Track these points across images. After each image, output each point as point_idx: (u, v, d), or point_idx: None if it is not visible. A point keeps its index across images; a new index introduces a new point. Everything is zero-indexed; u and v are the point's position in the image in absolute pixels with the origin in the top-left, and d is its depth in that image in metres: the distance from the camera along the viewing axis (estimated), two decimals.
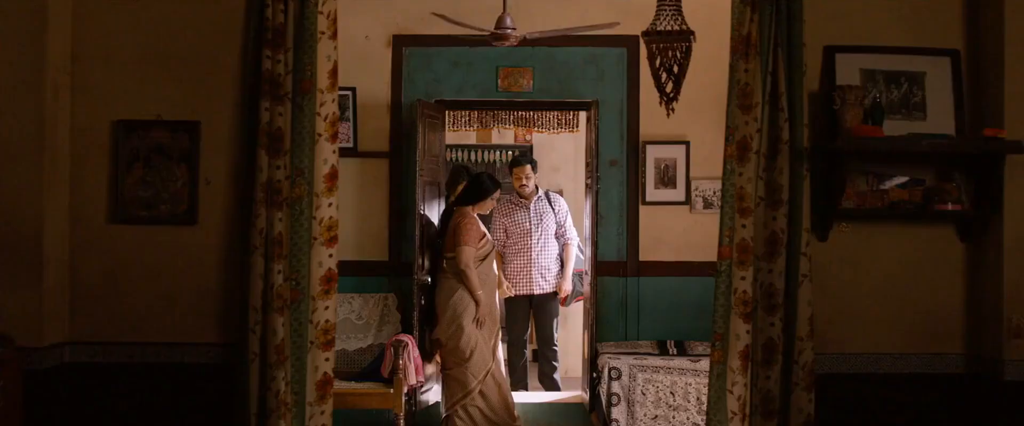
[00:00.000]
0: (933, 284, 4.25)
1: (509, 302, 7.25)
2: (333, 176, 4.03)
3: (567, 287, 7.14)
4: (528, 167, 7.14)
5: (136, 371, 4.15)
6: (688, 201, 6.51)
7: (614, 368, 5.84)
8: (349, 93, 6.31)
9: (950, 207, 4.14)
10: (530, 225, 7.12)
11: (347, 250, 6.03)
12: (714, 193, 6.43)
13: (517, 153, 8.32)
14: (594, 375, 6.09)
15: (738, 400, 3.92)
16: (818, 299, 4.04)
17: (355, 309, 6.22)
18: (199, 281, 4.15)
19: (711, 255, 6.18)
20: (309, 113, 3.99)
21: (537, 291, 7.15)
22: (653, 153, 6.51)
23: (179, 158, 4.16)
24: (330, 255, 4.03)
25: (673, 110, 4.41)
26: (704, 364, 5.62)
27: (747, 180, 3.95)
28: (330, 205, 4.03)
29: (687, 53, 4.33)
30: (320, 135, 4.02)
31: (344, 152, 6.02)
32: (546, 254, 7.13)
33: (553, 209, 7.15)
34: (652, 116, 6.35)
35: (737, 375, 3.92)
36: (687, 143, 6.50)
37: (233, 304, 4.09)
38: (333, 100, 4.05)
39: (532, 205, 7.14)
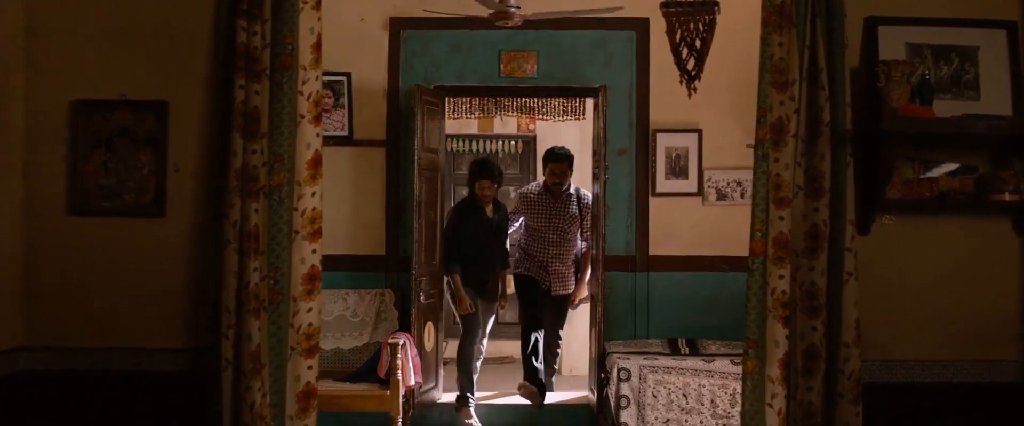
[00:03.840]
0: (986, 283, 3.94)
1: (519, 280, 6.81)
2: (317, 162, 3.76)
3: (582, 294, 6.81)
4: (565, 164, 6.69)
5: (97, 379, 3.95)
6: (700, 192, 6.39)
7: (623, 369, 5.74)
8: (343, 78, 6.27)
9: (1007, 197, 3.82)
10: (553, 221, 6.69)
11: (341, 244, 6.17)
12: (728, 184, 6.38)
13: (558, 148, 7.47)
14: (602, 376, 6.00)
15: (779, 415, 3.58)
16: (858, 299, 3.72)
17: (350, 306, 6.16)
18: (167, 279, 3.93)
19: (724, 249, 6.15)
20: (289, 92, 3.72)
21: (544, 286, 6.73)
22: (664, 142, 6.38)
23: (145, 142, 3.95)
24: (313, 251, 3.76)
25: (695, 89, 4.09)
26: (718, 364, 5.68)
27: (784, 167, 3.61)
28: (313, 195, 3.75)
29: (710, 26, 4.03)
30: (302, 117, 3.74)
31: (339, 140, 6.25)
32: (560, 260, 6.71)
33: (581, 211, 6.70)
34: (663, 103, 6.29)
35: (777, 386, 3.59)
36: (699, 131, 6.36)
37: (204, 305, 3.86)
38: (317, 78, 3.78)
39: (558, 203, 6.70)
